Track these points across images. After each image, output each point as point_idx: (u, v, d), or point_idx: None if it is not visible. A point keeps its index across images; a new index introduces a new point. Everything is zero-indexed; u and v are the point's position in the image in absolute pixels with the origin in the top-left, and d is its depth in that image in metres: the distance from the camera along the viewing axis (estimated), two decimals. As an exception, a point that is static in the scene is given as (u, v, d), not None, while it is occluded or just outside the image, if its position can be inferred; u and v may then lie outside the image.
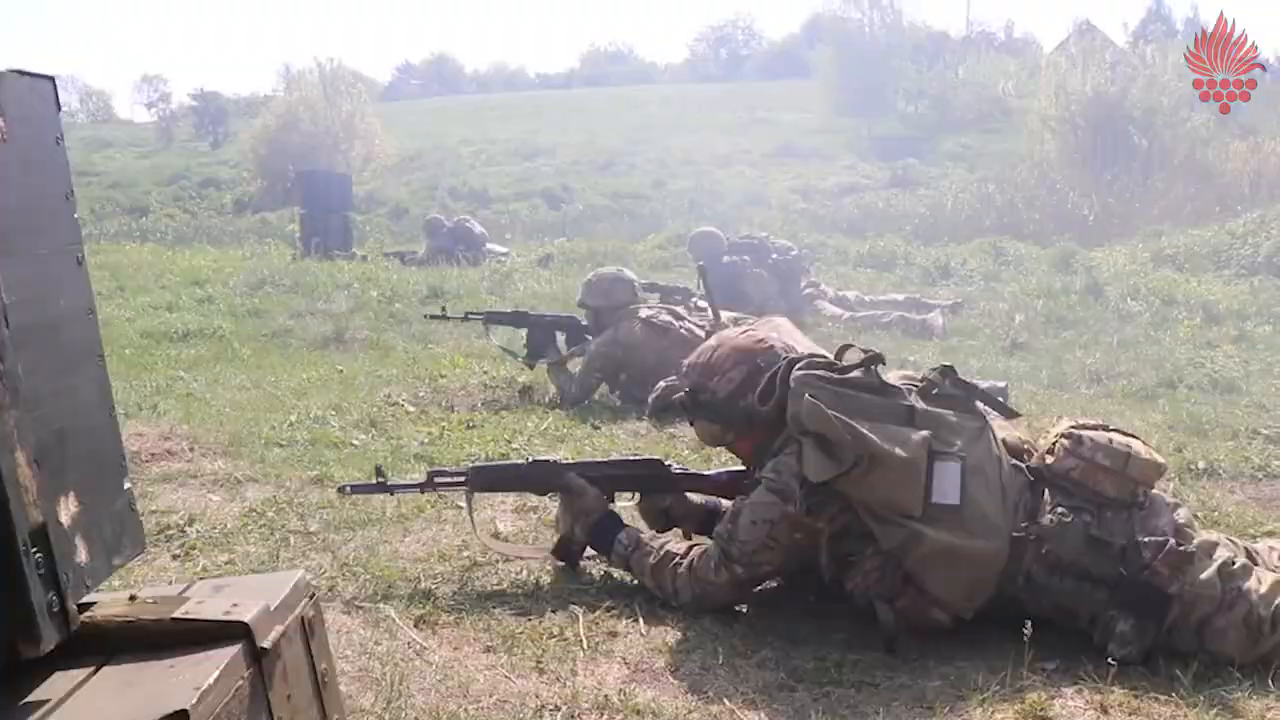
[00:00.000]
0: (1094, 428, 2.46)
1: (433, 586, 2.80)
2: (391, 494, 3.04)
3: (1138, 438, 2.47)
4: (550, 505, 3.46)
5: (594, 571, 2.88)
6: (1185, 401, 4.58)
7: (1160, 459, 2.43)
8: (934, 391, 2.49)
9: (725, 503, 2.92)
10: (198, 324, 8.10)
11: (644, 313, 5.16)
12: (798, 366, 2.48)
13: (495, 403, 5.21)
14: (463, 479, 2.96)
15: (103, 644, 1.22)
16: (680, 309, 5.33)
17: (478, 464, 3.08)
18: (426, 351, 6.79)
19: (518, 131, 35.61)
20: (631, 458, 3.19)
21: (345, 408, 5.05)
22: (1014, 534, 2.33)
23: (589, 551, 2.95)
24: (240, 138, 35.72)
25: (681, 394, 2.76)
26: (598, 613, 2.60)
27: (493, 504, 3.52)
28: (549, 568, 2.92)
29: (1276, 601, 2.22)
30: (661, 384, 4.71)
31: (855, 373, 2.46)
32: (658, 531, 2.95)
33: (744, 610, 2.61)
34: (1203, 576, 2.24)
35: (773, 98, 39.82)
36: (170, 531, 3.38)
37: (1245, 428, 4.10)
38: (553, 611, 2.62)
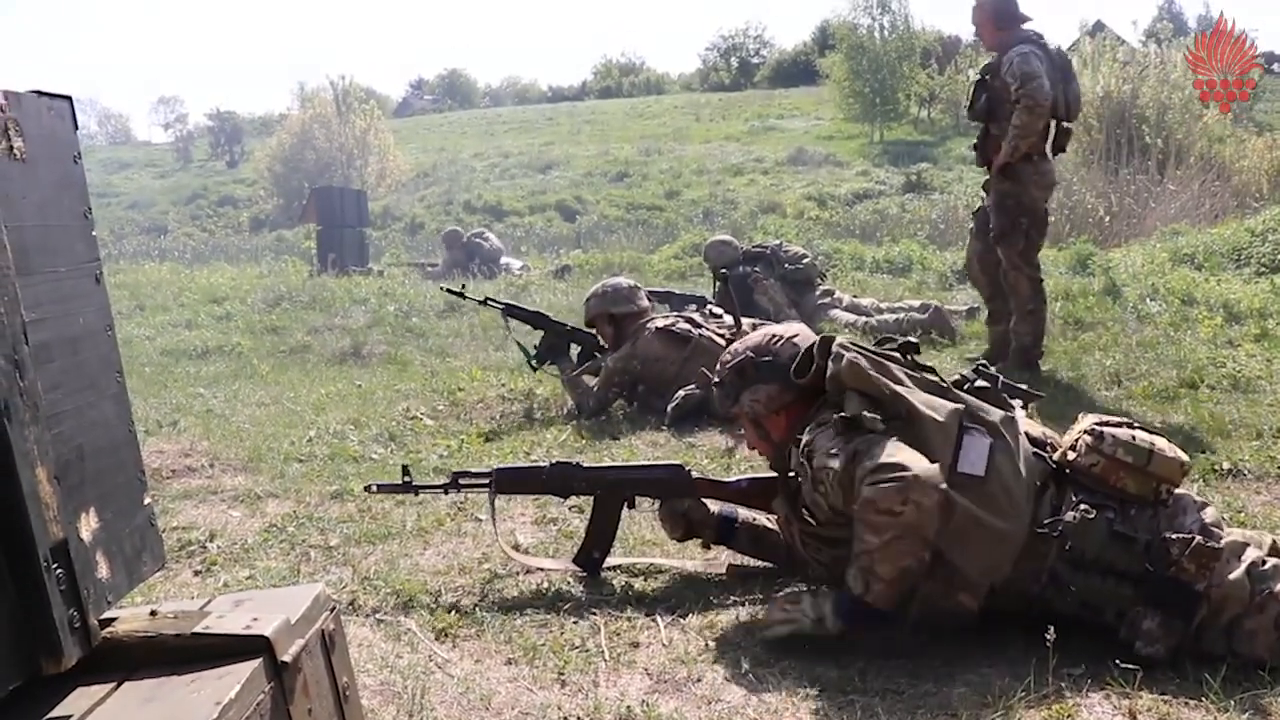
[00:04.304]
0: (1117, 424, 2.45)
1: (454, 599, 2.79)
2: (416, 494, 3.06)
3: (1162, 434, 2.45)
4: (570, 517, 3.47)
5: (615, 582, 2.87)
6: (1207, 402, 4.53)
7: (1184, 457, 2.41)
8: (964, 385, 2.56)
9: (742, 511, 2.92)
10: (216, 341, 8.16)
11: (660, 322, 5.09)
12: (835, 341, 2.55)
13: (513, 415, 5.21)
14: (486, 480, 2.96)
15: (124, 659, 1.22)
16: (696, 316, 5.26)
17: (501, 465, 3.08)
18: (444, 365, 6.81)
19: (531, 145, 35.75)
20: (653, 463, 3.18)
21: (364, 422, 5.06)
22: (1037, 530, 2.32)
23: (609, 562, 2.95)
24: (256, 156, 36.06)
25: (733, 367, 2.73)
26: (619, 623, 2.59)
27: (512, 515, 3.52)
28: (570, 579, 2.91)
29: None
30: (681, 393, 4.70)
31: (888, 350, 2.59)
32: (677, 539, 2.95)
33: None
34: (1232, 577, 2.22)
35: (784, 105, 39.86)
36: (191, 547, 3.40)
37: (1270, 427, 4.05)
38: (574, 623, 2.61)
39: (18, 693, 1.13)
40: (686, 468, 2.97)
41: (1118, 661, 2.16)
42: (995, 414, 2.45)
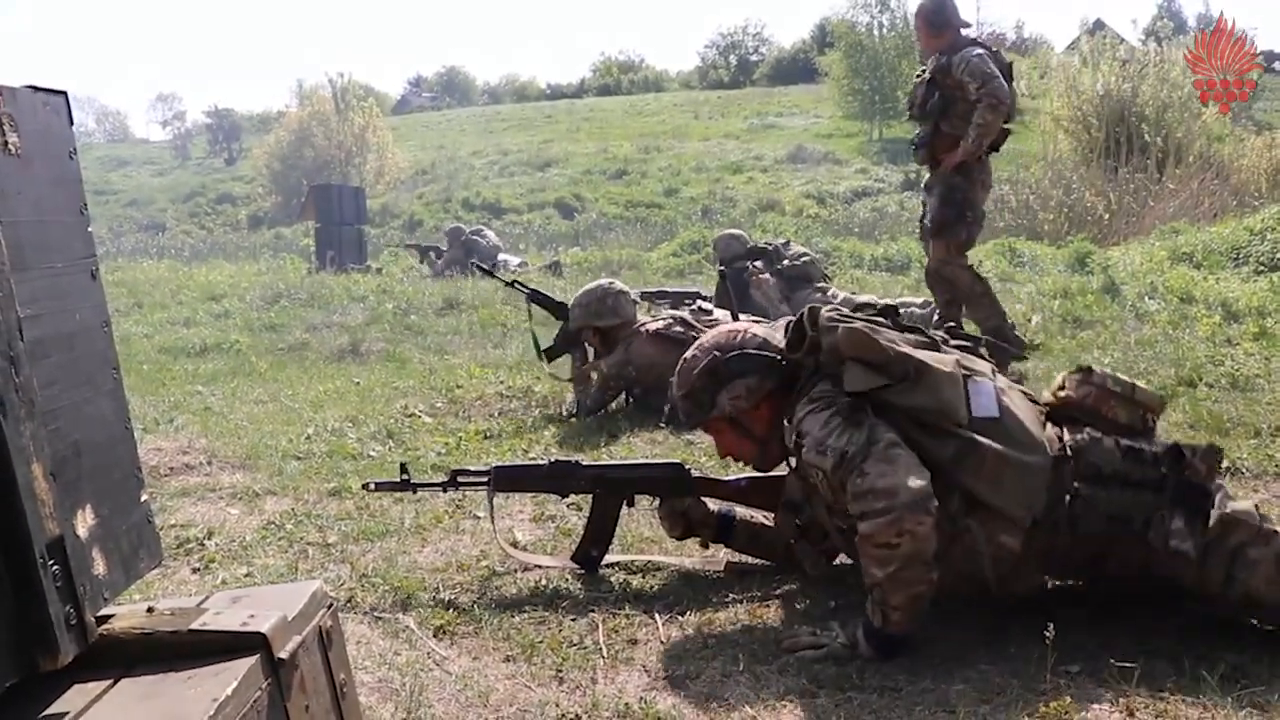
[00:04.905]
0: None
1: (452, 596, 2.79)
2: (415, 491, 3.06)
3: None
4: (568, 514, 3.46)
5: (613, 579, 2.87)
6: (1205, 400, 4.52)
7: (1160, 395, 2.54)
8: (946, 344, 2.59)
9: (740, 509, 2.91)
10: (214, 339, 8.16)
11: (653, 326, 5.01)
12: (823, 311, 2.52)
13: (512, 413, 5.20)
14: (485, 478, 2.96)
15: (120, 656, 1.22)
16: (689, 316, 5.19)
17: (500, 464, 3.08)
18: (443, 362, 6.80)
19: (529, 142, 35.71)
20: (652, 461, 3.17)
21: (362, 420, 5.06)
22: (1054, 456, 2.35)
23: (608, 559, 2.95)
24: (254, 154, 36.05)
25: (703, 371, 2.64)
26: (617, 621, 2.59)
27: (510, 513, 3.52)
28: (568, 576, 2.91)
29: None
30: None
31: (874, 315, 2.56)
32: (676, 537, 2.94)
33: (764, 617, 2.59)
34: (1240, 506, 2.28)
35: (783, 103, 39.83)
36: (190, 545, 3.40)
37: (1268, 425, 4.04)
38: (572, 620, 2.61)
39: (14, 690, 1.12)
40: (686, 466, 2.96)
41: (1114, 661, 2.16)
42: (982, 364, 2.51)
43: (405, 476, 2.99)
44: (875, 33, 33.65)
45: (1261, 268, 8.23)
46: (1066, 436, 2.40)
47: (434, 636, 2.55)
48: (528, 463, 3.15)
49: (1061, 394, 2.49)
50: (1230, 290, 7.24)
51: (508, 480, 3.00)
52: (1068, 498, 2.33)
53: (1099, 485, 2.33)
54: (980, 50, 5.69)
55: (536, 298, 5.50)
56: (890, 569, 2.19)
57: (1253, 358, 5.35)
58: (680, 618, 2.60)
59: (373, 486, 3.08)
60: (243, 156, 40.96)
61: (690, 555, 3.02)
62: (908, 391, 2.34)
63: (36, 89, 1.30)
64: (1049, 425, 2.46)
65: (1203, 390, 4.77)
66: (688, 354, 2.74)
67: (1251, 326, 6.06)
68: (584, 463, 3.01)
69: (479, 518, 3.47)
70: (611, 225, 21.06)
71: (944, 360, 2.42)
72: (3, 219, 1.15)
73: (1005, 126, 5.79)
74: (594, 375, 5.06)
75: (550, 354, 5.32)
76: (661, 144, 33.18)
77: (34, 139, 1.25)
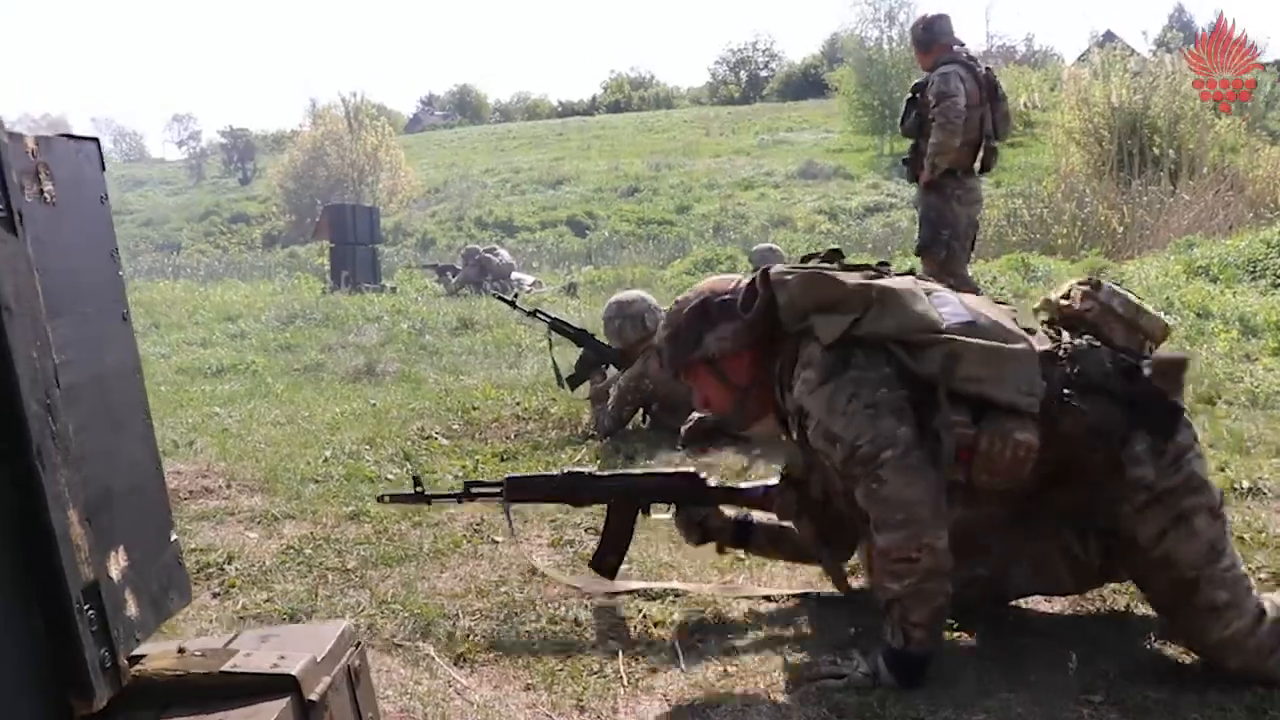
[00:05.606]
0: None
1: (471, 624, 2.80)
2: (429, 504, 3.06)
3: None
4: (586, 539, 3.47)
5: (632, 606, 2.87)
6: (1225, 418, 4.50)
7: (1167, 321, 2.50)
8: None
9: (758, 515, 2.89)
10: (231, 359, 8.20)
11: None
12: (773, 268, 2.50)
13: (528, 434, 5.22)
14: (499, 490, 2.96)
15: (154, 698, 1.23)
16: None
17: (513, 475, 3.07)
18: (458, 383, 6.82)
19: (541, 160, 35.87)
20: (667, 470, 3.14)
21: (379, 442, 5.08)
22: (1045, 351, 2.33)
23: (626, 585, 2.95)
24: (268, 173, 36.32)
25: (692, 311, 2.59)
26: (637, 649, 2.59)
27: (528, 538, 3.52)
28: (587, 602, 2.91)
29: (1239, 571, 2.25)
30: (695, 414, 4.70)
31: (818, 261, 2.56)
32: (693, 544, 2.94)
33: (784, 646, 2.59)
34: (1210, 479, 2.29)
35: (793, 118, 39.93)
36: (210, 569, 3.41)
37: (1289, 443, 4.03)
38: (592, 648, 2.61)
39: (49, 733, 1.14)
40: (700, 475, 2.93)
41: (1138, 690, 2.15)
42: (936, 284, 2.52)
43: (419, 489, 3.00)
44: (885, 47, 33.70)
45: (1279, 281, 8.20)
46: (1064, 339, 2.38)
47: (454, 664, 2.56)
48: (541, 474, 3.13)
49: (1064, 303, 2.48)
50: (1248, 304, 7.21)
51: (522, 490, 2.98)
52: (1055, 400, 2.28)
53: (1085, 396, 2.29)
54: (952, 68, 5.78)
55: (558, 326, 5.49)
56: (909, 583, 2.18)
57: (1272, 373, 5.32)
58: (700, 646, 2.60)
59: (387, 499, 3.10)
60: (257, 176, 41.29)
61: (709, 580, 3.02)
62: (878, 318, 2.31)
63: (71, 137, 1.32)
64: (1047, 327, 2.46)
65: (1222, 408, 4.75)
66: (680, 297, 2.70)
67: (1270, 341, 6.04)
68: (597, 473, 3.00)
69: (497, 542, 3.48)
70: (624, 243, 21.13)
71: (901, 280, 2.41)
72: (39, 267, 1.17)
73: (994, 145, 5.88)
74: (612, 390, 5.08)
75: (572, 382, 5.34)
76: (673, 161, 33.28)
77: (68, 186, 1.28)
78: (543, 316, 5.59)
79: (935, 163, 5.63)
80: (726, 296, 2.56)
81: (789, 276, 2.42)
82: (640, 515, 2.98)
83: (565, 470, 3.02)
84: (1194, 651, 2.30)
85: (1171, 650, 2.37)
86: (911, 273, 2.61)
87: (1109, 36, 33.68)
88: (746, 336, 2.53)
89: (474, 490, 3.01)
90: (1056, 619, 2.65)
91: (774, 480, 2.82)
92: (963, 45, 6.10)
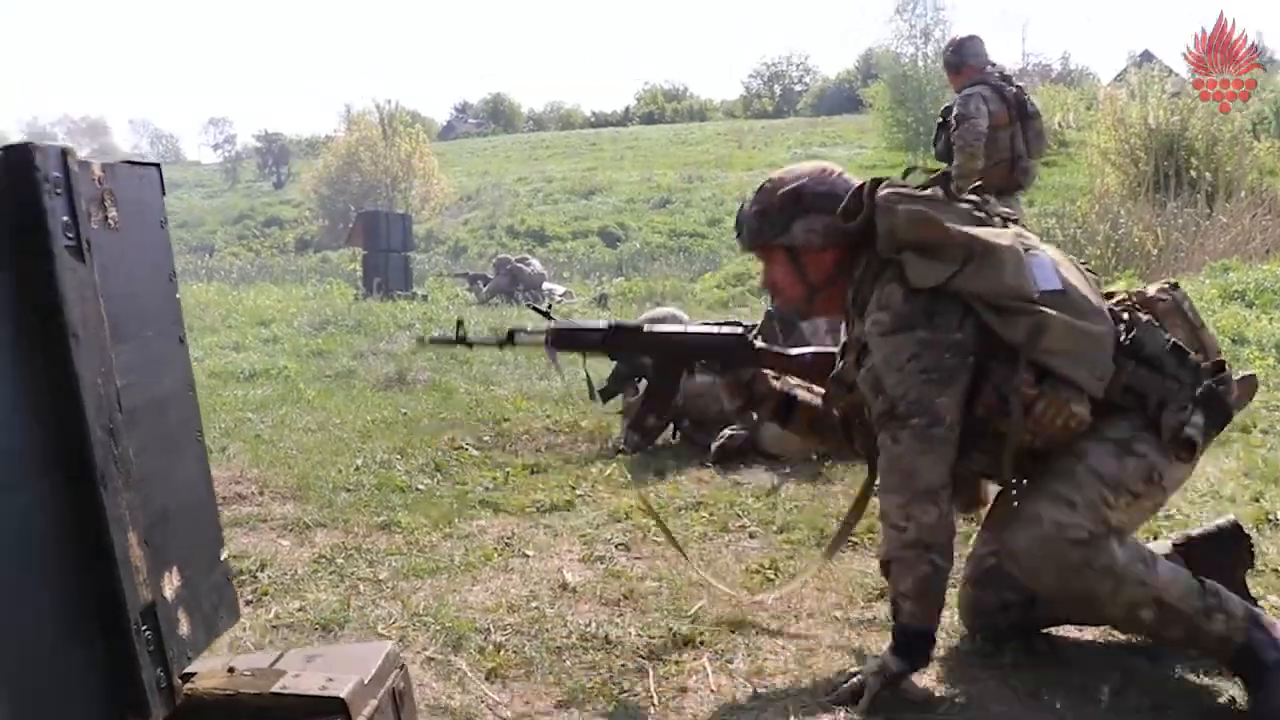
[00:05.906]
0: None
1: (503, 639, 2.82)
2: (470, 347, 3.02)
3: None
4: (616, 555, 3.49)
5: (661, 624, 2.88)
6: (1260, 447, 4.45)
7: (1220, 348, 2.53)
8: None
9: (802, 393, 2.85)
10: (263, 364, 8.29)
11: None
12: (881, 186, 2.42)
13: (559, 447, 5.24)
14: (542, 337, 2.88)
15: (204, 717, 1.26)
16: None
17: (557, 324, 2.93)
18: (489, 393, 6.86)
19: (574, 170, 35.99)
20: (714, 328, 2.94)
21: (410, 451, 5.12)
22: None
23: (658, 607, 2.96)
24: (302, 178, 36.61)
25: (787, 193, 2.51)
26: (667, 667, 2.60)
27: (559, 553, 3.55)
28: (615, 620, 2.93)
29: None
30: (727, 431, 4.71)
31: (929, 190, 2.44)
32: (737, 410, 2.94)
33: (814, 665, 2.59)
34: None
35: (827, 133, 39.82)
36: (243, 577, 3.45)
37: (1326, 475, 3.98)
38: (622, 665, 2.62)
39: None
40: (750, 335, 2.83)
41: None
42: (1032, 236, 2.47)
43: (462, 333, 2.96)
44: (920, 64, 33.56)
45: (1316, 308, 8.08)
46: (1128, 316, 2.39)
47: (486, 680, 2.58)
48: (586, 324, 2.98)
49: (1149, 292, 2.49)
50: (1285, 332, 7.11)
51: (565, 339, 2.89)
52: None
53: (1130, 359, 2.31)
54: (975, 89, 5.80)
55: None
56: (893, 549, 2.27)
57: (1309, 403, 5.26)
58: (729, 665, 2.61)
59: (429, 340, 3.25)
60: (291, 180, 41.65)
61: (740, 589, 3.02)
62: (973, 275, 2.27)
63: (133, 163, 1.36)
64: (1117, 306, 2.46)
65: (1257, 436, 4.70)
66: (774, 174, 2.61)
67: (1307, 370, 5.96)
68: (644, 329, 2.92)
69: (528, 556, 3.51)
70: (655, 254, 21.16)
71: (1004, 234, 2.36)
72: (103, 293, 1.20)
73: (1026, 164, 5.91)
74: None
75: (605, 394, 5.35)
76: (705, 173, 33.28)
77: (130, 212, 1.31)
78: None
79: (959, 185, 5.64)
80: (824, 189, 2.49)
81: (899, 206, 2.34)
82: (685, 375, 2.90)
83: (611, 323, 2.91)
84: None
85: (1207, 682, 2.35)
86: (1016, 221, 2.56)
87: (1146, 56, 33.38)
88: (837, 237, 2.46)
89: (517, 337, 2.93)
90: (1088, 648, 2.63)
91: (821, 349, 2.80)
92: (995, 66, 6.12)
